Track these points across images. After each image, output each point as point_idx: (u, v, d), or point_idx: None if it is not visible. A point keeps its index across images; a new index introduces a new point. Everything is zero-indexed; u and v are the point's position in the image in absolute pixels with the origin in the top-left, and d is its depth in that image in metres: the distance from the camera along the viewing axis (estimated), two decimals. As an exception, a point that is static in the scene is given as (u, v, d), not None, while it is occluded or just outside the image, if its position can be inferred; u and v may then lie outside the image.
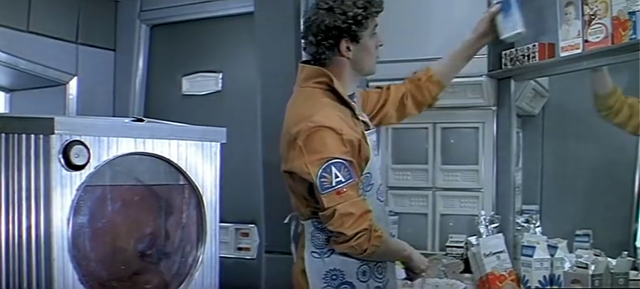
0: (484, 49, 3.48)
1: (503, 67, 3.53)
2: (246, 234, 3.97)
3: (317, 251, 2.82)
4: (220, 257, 2.66)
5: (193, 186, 2.54)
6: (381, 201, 2.93)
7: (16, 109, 4.24)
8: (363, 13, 2.77)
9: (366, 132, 2.85)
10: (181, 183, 2.54)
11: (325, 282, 2.80)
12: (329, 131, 2.65)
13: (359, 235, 2.64)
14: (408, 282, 3.14)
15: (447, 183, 3.76)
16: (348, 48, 2.80)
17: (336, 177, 2.61)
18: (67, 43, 4.08)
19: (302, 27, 2.90)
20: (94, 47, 4.27)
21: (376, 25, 2.86)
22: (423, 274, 3.01)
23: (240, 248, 3.98)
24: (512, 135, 3.57)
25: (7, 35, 3.70)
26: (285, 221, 3.02)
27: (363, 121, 2.89)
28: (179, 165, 2.48)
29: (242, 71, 4.03)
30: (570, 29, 3.12)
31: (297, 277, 2.87)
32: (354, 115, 2.84)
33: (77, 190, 2.15)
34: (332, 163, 2.62)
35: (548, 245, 3.25)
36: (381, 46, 2.91)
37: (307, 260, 2.82)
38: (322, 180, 2.61)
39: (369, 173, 2.81)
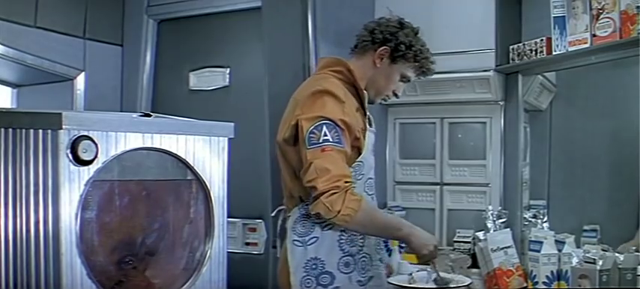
0: (491, 44, 3.49)
1: (510, 61, 3.53)
2: (254, 229, 3.97)
3: (299, 239, 2.83)
4: (228, 252, 2.66)
5: (201, 181, 2.54)
6: (369, 194, 2.92)
7: (23, 105, 4.24)
8: (414, 53, 2.95)
9: (369, 128, 2.92)
10: (189, 178, 2.53)
11: (305, 271, 2.81)
12: (331, 96, 2.75)
13: (331, 192, 2.62)
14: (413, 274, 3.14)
15: (455, 178, 3.77)
16: (381, 58, 2.95)
17: (325, 135, 2.68)
18: (75, 38, 4.08)
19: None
20: (102, 42, 4.27)
21: (409, 78, 3.02)
22: (432, 259, 2.90)
23: (247, 244, 3.99)
24: (520, 130, 3.58)
25: (15, 30, 3.70)
26: (272, 214, 3.07)
27: (368, 117, 2.94)
28: (187, 160, 2.47)
29: (250, 66, 4.03)
30: (578, 23, 3.12)
31: (281, 266, 2.90)
32: (362, 109, 2.89)
33: (85, 185, 2.15)
34: (324, 123, 2.69)
35: (556, 241, 3.25)
36: (396, 95, 3.04)
37: (289, 248, 2.84)
38: (311, 135, 2.68)
39: (361, 162, 2.85)
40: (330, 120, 2.70)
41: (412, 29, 3.01)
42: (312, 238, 2.82)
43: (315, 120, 2.70)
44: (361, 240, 2.88)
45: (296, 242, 2.83)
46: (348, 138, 2.76)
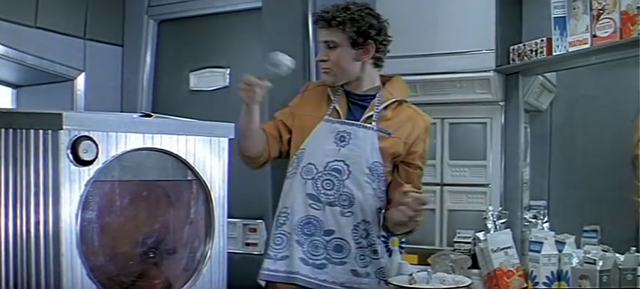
0: (492, 44, 3.49)
1: (511, 62, 3.53)
2: (254, 230, 3.98)
3: None
4: (228, 252, 2.66)
5: (201, 181, 2.53)
6: (304, 179, 2.98)
7: (23, 105, 4.25)
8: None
9: (328, 117, 3.02)
10: (189, 178, 2.53)
11: None
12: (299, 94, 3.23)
13: None
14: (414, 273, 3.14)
15: (455, 178, 3.76)
16: None
17: None
18: (75, 39, 4.09)
19: None
20: (102, 43, 4.27)
21: (322, 42, 3.07)
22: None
23: (248, 244, 3.99)
24: (520, 130, 3.57)
25: (15, 31, 3.71)
26: None
27: (337, 110, 3.03)
28: (187, 160, 2.47)
29: (250, 67, 4.00)
30: (578, 24, 3.12)
31: None
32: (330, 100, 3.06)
33: (85, 185, 2.15)
34: None
35: (556, 241, 3.25)
36: (321, 60, 3.08)
37: None
38: None
39: (303, 149, 3.02)
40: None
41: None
42: None
43: None
44: (284, 217, 3.01)
45: None
46: (289, 119, 3.14)
